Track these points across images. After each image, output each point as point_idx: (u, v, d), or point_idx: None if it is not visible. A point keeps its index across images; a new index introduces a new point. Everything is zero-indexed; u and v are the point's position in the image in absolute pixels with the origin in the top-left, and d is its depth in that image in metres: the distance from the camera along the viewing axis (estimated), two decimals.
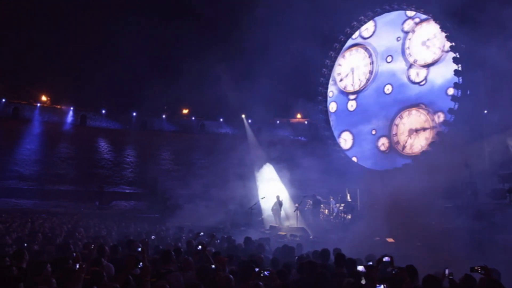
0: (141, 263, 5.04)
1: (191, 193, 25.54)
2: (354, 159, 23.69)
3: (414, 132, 21.28)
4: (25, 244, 8.93)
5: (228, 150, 26.67)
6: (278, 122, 38.89)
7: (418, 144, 21.13)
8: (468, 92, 17.39)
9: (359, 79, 24.35)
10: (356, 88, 24.48)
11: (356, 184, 19.05)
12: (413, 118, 21.64)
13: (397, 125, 22.29)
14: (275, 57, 23.28)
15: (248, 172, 23.80)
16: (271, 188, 20.39)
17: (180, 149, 34.16)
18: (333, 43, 23.62)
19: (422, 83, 20.81)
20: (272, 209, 18.87)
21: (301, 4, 21.26)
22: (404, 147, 21.84)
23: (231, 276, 5.06)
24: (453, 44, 18.02)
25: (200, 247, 6.67)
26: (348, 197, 19.08)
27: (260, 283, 4.98)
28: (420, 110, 21.06)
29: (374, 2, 21.41)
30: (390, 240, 11.77)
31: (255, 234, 14.43)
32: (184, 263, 6.30)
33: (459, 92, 17.78)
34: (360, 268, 5.49)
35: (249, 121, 35.96)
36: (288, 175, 21.18)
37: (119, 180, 31.33)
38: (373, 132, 23.39)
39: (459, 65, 17.82)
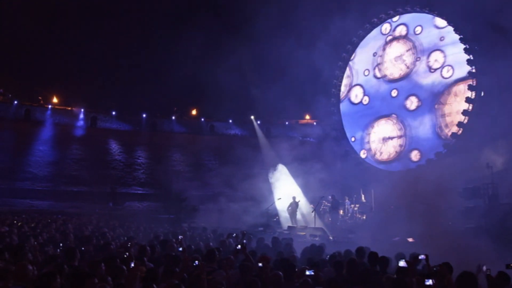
0: (197, 261, 5.30)
1: (204, 194, 25.82)
2: None
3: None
4: (61, 244, 9.19)
5: (239, 151, 26.87)
6: (287, 123, 39.19)
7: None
8: (482, 94, 17.59)
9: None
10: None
11: (370, 185, 19.25)
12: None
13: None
14: (283, 58, 23.49)
15: (261, 173, 24.00)
16: (285, 189, 20.57)
17: (191, 150, 34.44)
18: (346, 45, 23.91)
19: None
20: (288, 210, 19.10)
21: (312, 7, 21.52)
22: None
23: (280, 273, 5.30)
24: (467, 46, 18.22)
25: (239, 246, 6.91)
26: (363, 198, 19.31)
27: (309, 280, 5.23)
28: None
29: (388, 5, 21.60)
30: (410, 239, 11.94)
31: (274, 234, 14.67)
32: (225, 262, 6.53)
33: (473, 94, 17.97)
34: (402, 263, 5.73)
35: (258, 122, 36.23)
36: (302, 175, 21.35)
37: (131, 181, 31.65)
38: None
39: (473, 67, 18.02)
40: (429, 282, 4.77)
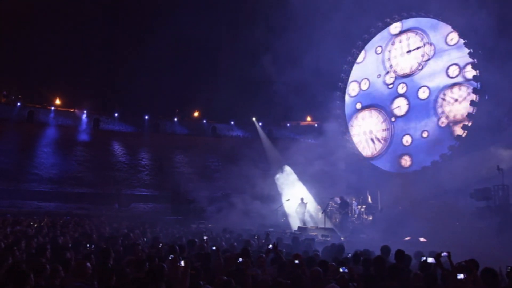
0: (240, 259, 5.62)
1: (210, 195, 26.05)
2: None
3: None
4: (88, 245, 9.43)
5: (243, 153, 27.16)
6: (288, 125, 39.57)
7: None
8: (487, 97, 18.03)
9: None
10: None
11: (376, 186, 19.63)
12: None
13: None
14: (285, 59, 23.69)
15: (267, 174, 24.30)
16: (292, 190, 20.91)
17: (194, 152, 34.61)
18: (351, 48, 24.31)
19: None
20: (296, 211, 19.45)
21: (317, 10, 21.78)
22: None
23: (320, 269, 5.64)
24: (471, 50, 18.66)
25: (271, 246, 7.26)
26: (369, 199, 19.68)
27: (345, 275, 5.58)
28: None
29: (393, 9, 22.01)
30: (422, 239, 12.28)
31: (285, 235, 15.00)
32: (258, 260, 6.86)
33: (478, 97, 18.40)
34: (430, 260, 6.11)
35: (260, 124, 36.51)
36: (308, 177, 21.66)
37: (136, 182, 31.86)
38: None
39: (477, 71, 18.44)
40: (461, 276, 5.15)
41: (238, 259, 5.72)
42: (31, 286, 4.19)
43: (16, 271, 4.33)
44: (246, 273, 5.35)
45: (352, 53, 24.51)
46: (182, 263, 5.32)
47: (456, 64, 20.35)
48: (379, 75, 24.40)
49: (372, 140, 24.53)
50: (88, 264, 5.10)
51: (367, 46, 24.65)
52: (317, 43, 21.60)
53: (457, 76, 20.32)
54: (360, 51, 24.57)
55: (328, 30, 20.61)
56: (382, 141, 23.94)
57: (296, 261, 6.03)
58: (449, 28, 20.44)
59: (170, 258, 6.02)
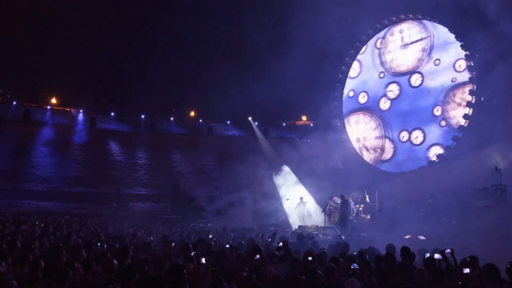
0: (257, 255, 5.87)
1: (208, 194, 26.26)
2: None
3: None
4: (98, 244, 9.59)
5: (241, 152, 27.36)
6: (284, 124, 39.85)
7: None
8: (482, 99, 18.40)
9: None
10: None
11: (374, 185, 19.93)
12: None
13: None
14: (282, 60, 23.88)
15: (265, 173, 24.51)
16: (291, 189, 21.17)
17: (191, 151, 34.75)
18: (349, 49, 24.59)
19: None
20: (296, 210, 19.72)
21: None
22: None
23: (333, 264, 5.89)
24: (468, 53, 19.02)
25: (281, 243, 7.51)
26: (367, 198, 19.96)
27: (357, 272, 5.84)
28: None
29: (393, 11, 22.31)
30: (421, 237, 12.57)
31: (286, 234, 15.24)
32: (270, 258, 7.10)
33: (474, 99, 18.77)
34: (437, 256, 6.41)
35: (256, 123, 36.68)
36: (306, 176, 21.92)
37: (134, 182, 31.96)
38: None
39: (474, 73, 18.82)
40: (467, 270, 5.49)
41: (256, 256, 5.95)
42: (70, 282, 4.38)
43: (56, 269, 4.51)
44: (265, 269, 5.58)
45: (350, 54, 24.77)
46: (203, 260, 5.56)
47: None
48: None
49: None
50: (115, 261, 5.31)
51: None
52: (316, 43, 21.78)
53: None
54: (358, 52, 24.85)
55: (326, 30, 20.81)
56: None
57: (310, 258, 6.29)
58: None
59: (192, 254, 6.25)
